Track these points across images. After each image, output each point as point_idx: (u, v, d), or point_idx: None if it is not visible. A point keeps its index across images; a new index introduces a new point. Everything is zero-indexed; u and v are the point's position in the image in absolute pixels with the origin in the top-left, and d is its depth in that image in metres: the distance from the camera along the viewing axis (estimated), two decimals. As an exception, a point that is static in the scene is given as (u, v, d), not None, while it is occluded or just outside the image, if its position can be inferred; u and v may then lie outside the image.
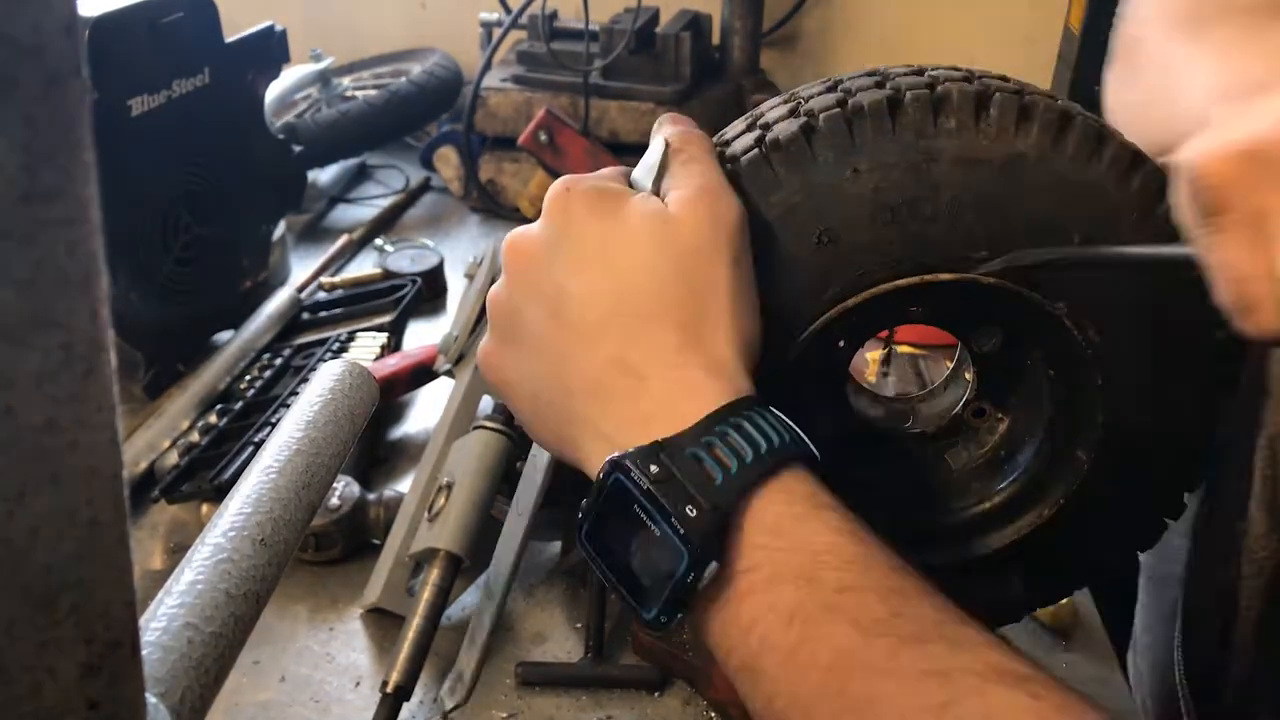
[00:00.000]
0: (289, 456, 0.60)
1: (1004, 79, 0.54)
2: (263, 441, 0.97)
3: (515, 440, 0.90)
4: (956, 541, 0.58)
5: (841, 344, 0.58)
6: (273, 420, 1.01)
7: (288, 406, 1.03)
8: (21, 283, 0.24)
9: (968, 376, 0.62)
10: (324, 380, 0.66)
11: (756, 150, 0.53)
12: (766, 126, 0.54)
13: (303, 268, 1.41)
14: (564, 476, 0.93)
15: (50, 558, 0.27)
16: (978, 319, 0.58)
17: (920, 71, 0.54)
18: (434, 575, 0.81)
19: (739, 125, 0.57)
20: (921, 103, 0.51)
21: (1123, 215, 0.51)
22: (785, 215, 0.52)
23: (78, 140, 0.25)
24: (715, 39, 1.68)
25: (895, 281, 0.52)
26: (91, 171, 0.25)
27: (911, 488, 0.60)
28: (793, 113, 0.54)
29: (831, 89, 0.55)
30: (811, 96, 0.55)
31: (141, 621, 0.47)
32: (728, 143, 0.56)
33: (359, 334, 1.20)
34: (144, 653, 0.45)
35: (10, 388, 0.25)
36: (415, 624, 0.78)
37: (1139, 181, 0.51)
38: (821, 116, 0.52)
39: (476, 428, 0.89)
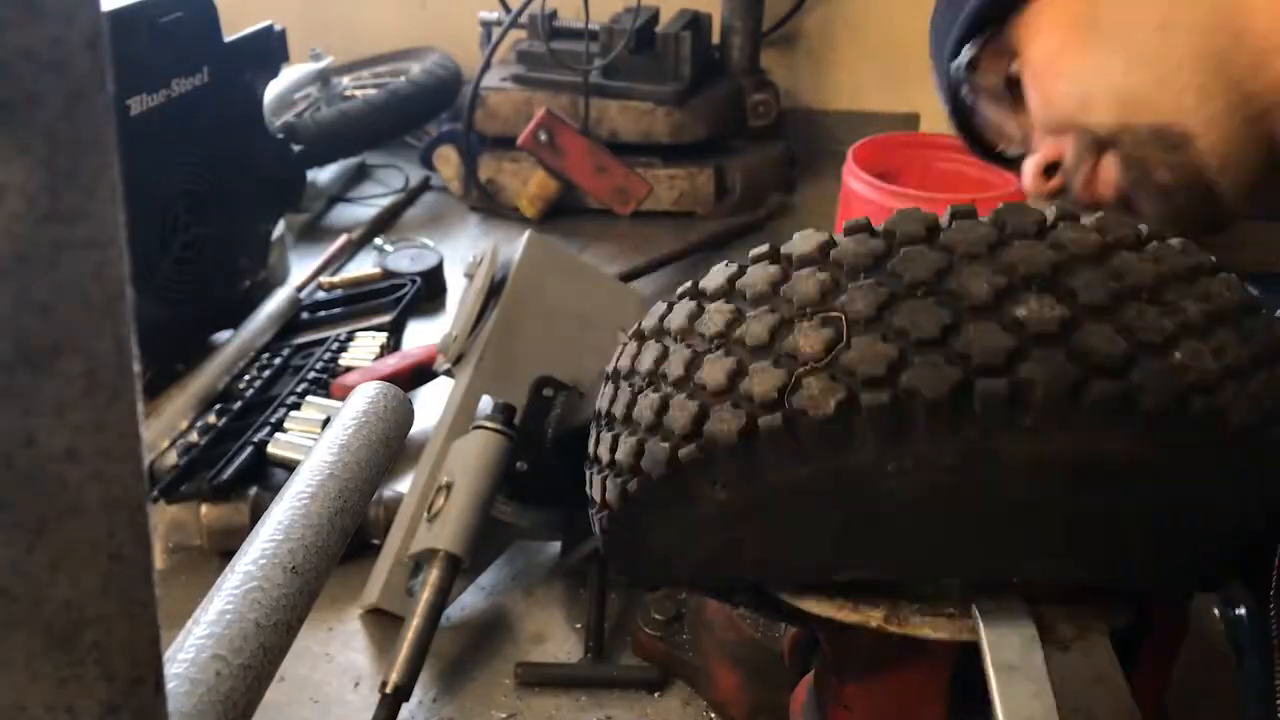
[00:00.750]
0: (321, 481, 0.58)
1: (1109, 303, 0.41)
2: (263, 442, 0.98)
3: (514, 440, 0.90)
4: None
5: None
6: (272, 420, 1.01)
7: (287, 406, 1.03)
8: (42, 307, 0.23)
9: None
10: (359, 402, 0.65)
11: (780, 414, 0.42)
12: (795, 359, 0.42)
13: (302, 267, 1.41)
14: (564, 476, 0.93)
15: (71, 593, 0.26)
16: None
17: (1001, 294, 0.40)
18: (433, 575, 0.81)
19: (762, 322, 0.44)
20: (996, 398, 0.39)
21: (1220, 487, 0.43)
22: (808, 493, 0.44)
23: (102, 158, 0.24)
24: (715, 38, 1.68)
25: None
26: (117, 191, 0.25)
27: None
28: (829, 350, 0.42)
29: (883, 308, 0.41)
30: (856, 319, 0.42)
31: (169, 653, 0.46)
32: (745, 345, 0.44)
33: (358, 334, 1.20)
34: (171, 685, 0.44)
35: (30, 416, 0.24)
36: (414, 624, 0.78)
37: (1249, 452, 0.42)
38: (865, 397, 0.40)
39: (476, 428, 0.89)
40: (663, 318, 0.51)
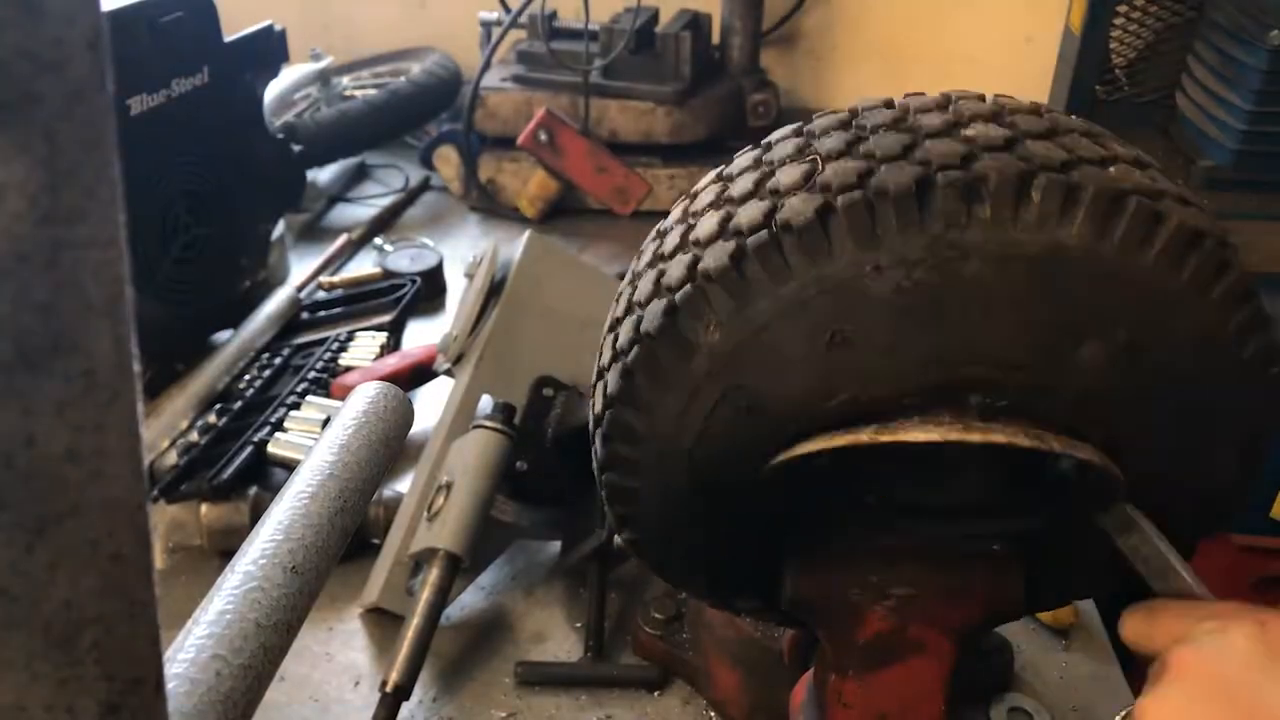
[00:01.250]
0: (321, 481, 0.58)
1: (1049, 132, 0.47)
2: (263, 442, 0.98)
3: (514, 439, 0.90)
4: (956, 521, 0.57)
5: None
6: (272, 420, 1.01)
7: (287, 406, 1.03)
8: (42, 307, 0.23)
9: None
10: (359, 402, 0.65)
11: (766, 232, 0.46)
12: (778, 194, 0.47)
13: (302, 267, 1.41)
14: (564, 476, 0.93)
15: (71, 593, 0.26)
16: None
17: (952, 125, 0.47)
18: (433, 575, 0.81)
19: (747, 178, 0.50)
20: (954, 188, 0.44)
21: (1174, 303, 0.46)
22: (796, 309, 0.46)
23: (102, 158, 0.24)
24: (715, 38, 1.68)
25: (900, 435, 0.46)
26: (117, 190, 0.25)
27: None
28: (807, 180, 0.47)
29: (852, 145, 0.47)
30: (829, 155, 0.47)
31: (169, 653, 0.46)
32: (734, 200, 0.49)
33: (358, 333, 1.20)
34: (171, 685, 0.44)
35: (30, 416, 0.24)
36: (414, 624, 0.78)
37: (1194, 264, 0.45)
38: (840, 198, 0.45)
39: (475, 427, 0.89)
40: (659, 225, 0.55)
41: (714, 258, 0.48)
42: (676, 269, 0.49)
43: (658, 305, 0.50)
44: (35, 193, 0.22)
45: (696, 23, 1.57)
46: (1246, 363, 0.48)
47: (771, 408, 0.48)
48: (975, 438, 0.46)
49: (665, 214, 0.56)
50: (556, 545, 0.96)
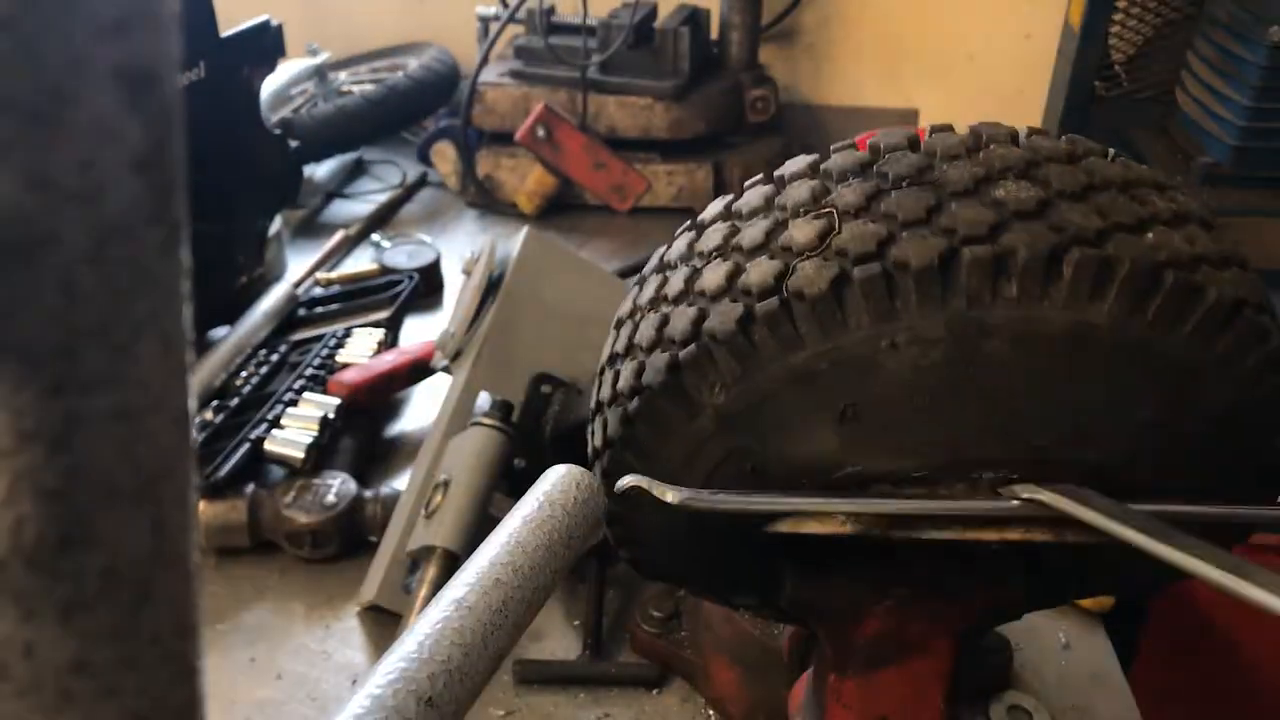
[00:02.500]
0: (485, 588, 0.50)
1: (1085, 187, 0.44)
2: (260, 439, 0.97)
3: (512, 437, 0.89)
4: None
5: None
6: (269, 417, 1.01)
7: (284, 403, 1.03)
8: (48, 495, 0.19)
9: None
10: (546, 488, 0.55)
11: (776, 299, 0.44)
12: (790, 252, 0.45)
13: (299, 263, 1.41)
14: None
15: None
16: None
17: (983, 181, 0.43)
18: (431, 573, 0.81)
19: (758, 226, 0.47)
20: (980, 265, 0.42)
21: (1203, 377, 0.44)
22: (806, 380, 0.44)
23: (148, 308, 0.19)
24: (714, 34, 1.67)
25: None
26: (173, 344, 0.20)
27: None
28: (823, 240, 0.44)
29: (872, 198, 0.44)
30: (847, 209, 0.45)
31: None
32: (743, 250, 0.47)
33: (355, 330, 1.19)
34: None
35: (30, 621, 0.20)
36: (412, 621, 0.78)
37: (1230, 338, 0.43)
38: (858, 270, 0.43)
39: (474, 425, 0.89)
40: (662, 255, 0.53)
41: (720, 319, 0.46)
42: (680, 321, 0.47)
43: (660, 359, 0.48)
44: (42, 356, 0.18)
45: (695, 18, 1.57)
46: (1270, 424, 0.46)
47: (776, 473, 0.47)
48: (991, 536, 0.45)
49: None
50: (554, 543, 0.95)
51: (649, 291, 0.52)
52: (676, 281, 0.49)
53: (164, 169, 0.19)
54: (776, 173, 0.50)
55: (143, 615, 0.21)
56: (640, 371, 0.49)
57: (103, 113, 0.17)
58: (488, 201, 1.60)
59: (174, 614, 0.22)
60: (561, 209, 1.59)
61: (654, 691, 0.83)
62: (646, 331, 0.50)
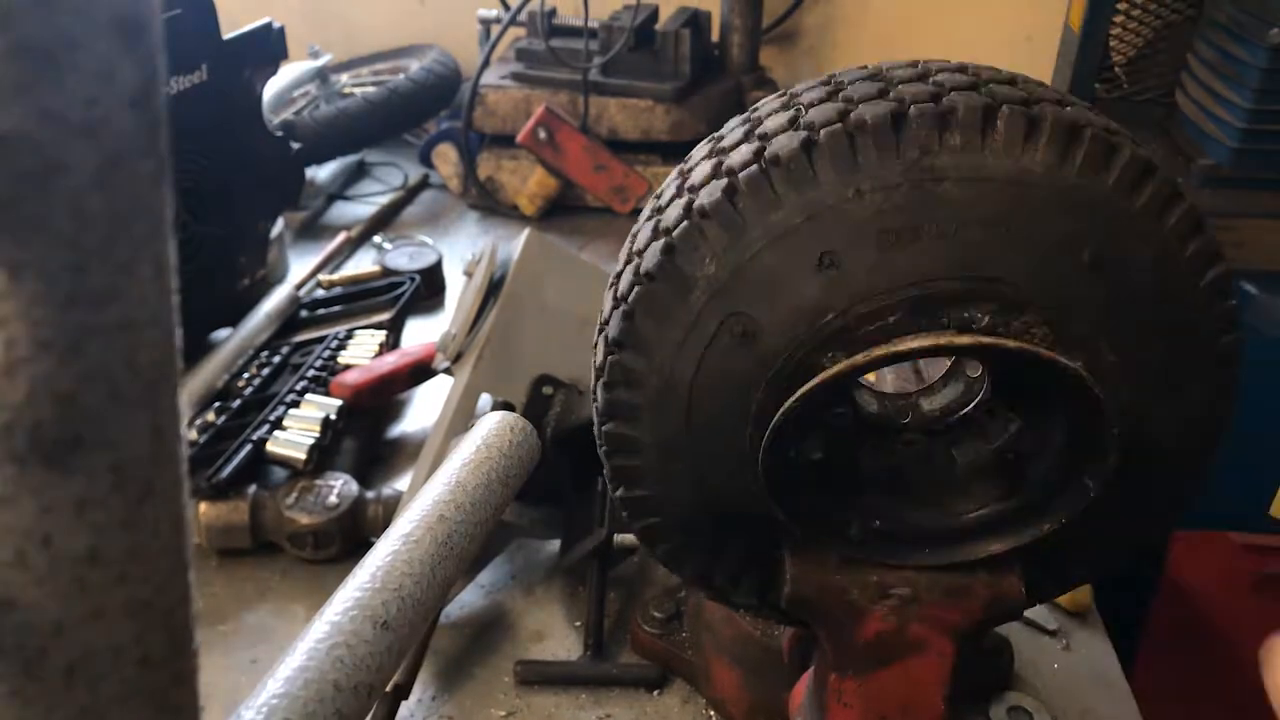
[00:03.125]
0: (430, 523, 0.54)
1: (1010, 80, 0.53)
2: (262, 440, 0.98)
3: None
4: (955, 544, 0.58)
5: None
6: (271, 418, 1.01)
7: (286, 404, 1.03)
8: (62, 398, 0.21)
9: (969, 374, 0.61)
10: (483, 433, 0.59)
11: (756, 167, 0.51)
12: (765, 138, 0.52)
13: (301, 265, 1.41)
14: (564, 474, 0.92)
15: (89, 699, 0.23)
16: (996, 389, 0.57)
17: (923, 75, 0.52)
18: (432, 574, 0.81)
19: (737, 131, 0.54)
20: (926, 118, 0.49)
21: (1132, 227, 0.49)
22: (785, 236, 0.50)
23: (145, 231, 0.21)
24: (715, 36, 1.67)
25: (894, 347, 0.49)
26: (164, 265, 0.22)
27: (916, 483, 0.60)
28: (792, 123, 0.51)
29: (832, 95, 0.52)
30: (811, 104, 0.52)
31: (240, 711, 0.45)
32: (725, 150, 0.54)
33: (357, 331, 1.19)
34: None
35: (48, 514, 0.22)
36: (414, 622, 0.78)
37: (1150, 191, 0.49)
38: (823, 132, 0.50)
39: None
40: (656, 190, 0.59)
41: (708, 195, 0.51)
42: (673, 212, 0.53)
43: (655, 246, 0.53)
44: (56, 273, 0.20)
45: (696, 20, 1.57)
46: (1203, 290, 0.51)
47: (766, 332, 0.51)
48: (965, 341, 0.49)
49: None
50: (556, 544, 0.96)
51: (645, 213, 0.57)
52: (669, 192, 0.55)
53: (153, 107, 0.21)
54: (752, 107, 0.56)
55: (145, 509, 0.23)
56: (638, 269, 0.54)
57: (103, 55, 0.19)
58: (489, 203, 1.60)
59: (170, 510, 0.24)
60: (563, 211, 1.60)
61: (655, 692, 0.83)
62: (643, 236, 0.55)
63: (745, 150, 0.52)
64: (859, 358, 0.50)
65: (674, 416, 0.54)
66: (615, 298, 0.55)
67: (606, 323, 0.56)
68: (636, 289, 0.53)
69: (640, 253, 0.54)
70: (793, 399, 0.51)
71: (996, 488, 0.57)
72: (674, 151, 1.59)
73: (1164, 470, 0.56)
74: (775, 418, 0.51)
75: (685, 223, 0.52)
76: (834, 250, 0.49)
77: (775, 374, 0.52)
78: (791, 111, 0.52)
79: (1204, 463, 0.57)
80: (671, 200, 0.54)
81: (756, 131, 0.53)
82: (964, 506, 0.58)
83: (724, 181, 0.51)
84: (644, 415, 0.55)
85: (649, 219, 0.56)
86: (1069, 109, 0.50)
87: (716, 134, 0.57)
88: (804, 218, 0.50)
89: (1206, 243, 0.51)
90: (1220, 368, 0.54)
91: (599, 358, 0.57)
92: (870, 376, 0.67)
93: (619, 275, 0.56)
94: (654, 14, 1.60)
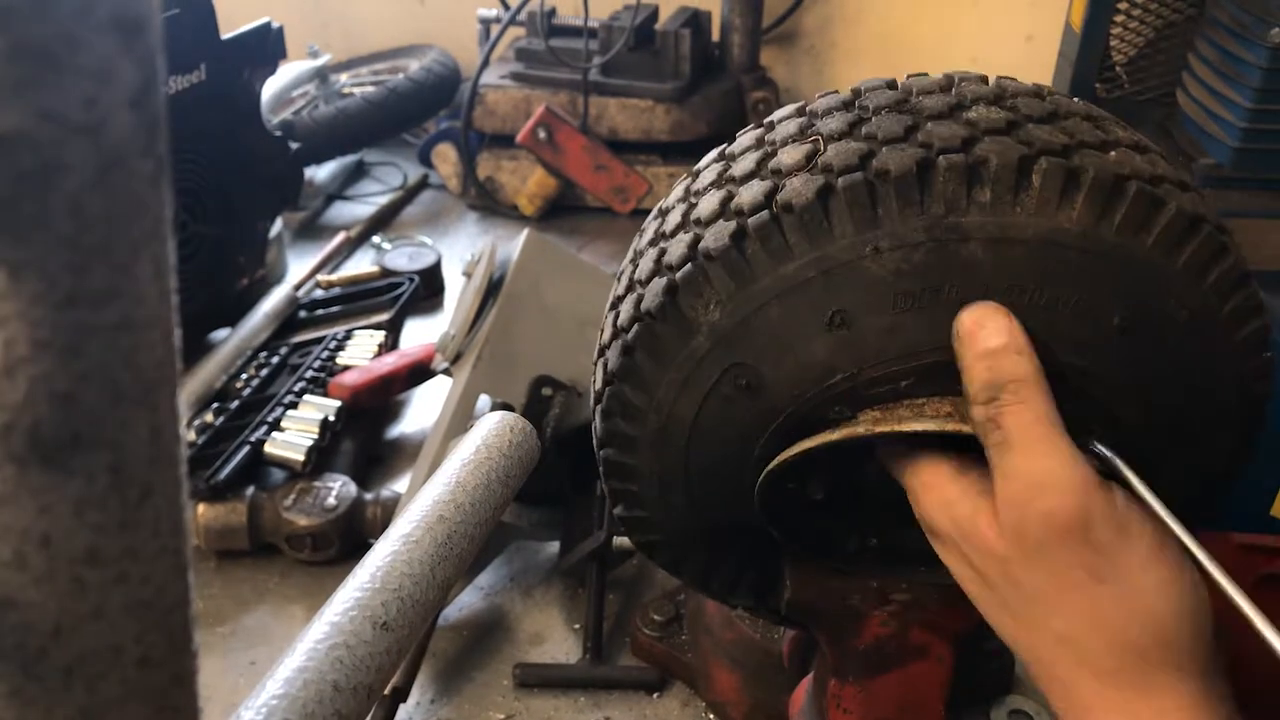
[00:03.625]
0: (430, 524, 0.54)
1: (1050, 116, 0.47)
2: (260, 441, 0.97)
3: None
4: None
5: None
6: (269, 419, 1.01)
7: (284, 405, 1.03)
8: (61, 397, 0.21)
9: None
10: (483, 433, 0.58)
11: (766, 212, 0.47)
12: (779, 174, 0.48)
13: (300, 265, 1.41)
14: (563, 476, 0.92)
15: (89, 700, 0.23)
16: None
17: (954, 107, 0.47)
18: (431, 576, 0.81)
19: (749, 158, 0.50)
20: (955, 171, 0.44)
21: (1169, 287, 0.46)
22: (796, 290, 0.46)
23: (144, 230, 0.21)
24: (715, 36, 1.67)
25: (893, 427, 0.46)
26: (164, 265, 0.22)
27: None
28: (809, 159, 0.47)
29: (854, 127, 0.47)
30: (831, 136, 0.47)
31: (239, 712, 0.44)
32: (735, 179, 0.50)
33: (356, 332, 1.19)
34: None
35: (47, 514, 0.21)
36: (412, 625, 0.78)
37: (1193, 249, 0.46)
38: (841, 180, 0.45)
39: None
40: (661, 203, 0.55)
41: (715, 237, 0.48)
42: (677, 248, 0.50)
43: (658, 284, 0.50)
44: (56, 272, 0.20)
45: (696, 20, 1.57)
46: (1239, 344, 0.48)
47: (770, 386, 0.49)
48: (970, 429, 0.46)
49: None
50: (555, 546, 0.95)
51: (648, 235, 0.54)
52: (674, 218, 0.52)
53: (152, 107, 0.21)
54: (766, 119, 0.52)
55: (144, 510, 0.23)
56: (639, 302, 0.51)
57: (103, 55, 0.20)
58: (488, 203, 1.60)
59: (170, 510, 0.24)
60: (562, 211, 1.59)
61: (654, 695, 0.83)
62: (645, 266, 0.52)
63: (756, 189, 0.48)
64: (861, 429, 0.47)
65: (673, 452, 0.52)
66: (615, 327, 0.53)
67: (606, 348, 0.54)
68: (637, 325, 0.51)
69: (643, 284, 0.52)
70: (793, 451, 0.49)
71: None
72: (674, 151, 1.58)
73: (1180, 502, 0.54)
74: (772, 466, 0.49)
75: (690, 265, 0.49)
76: (846, 309, 0.46)
77: (778, 427, 0.49)
78: (809, 145, 0.48)
79: (1219, 495, 0.55)
80: (677, 230, 0.51)
81: (770, 164, 0.49)
82: None
83: (732, 225, 0.47)
84: (642, 448, 0.53)
85: (652, 243, 0.53)
86: (1114, 154, 0.46)
87: (727, 149, 0.53)
88: (817, 272, 0.46)
89: (1248, 297, 0.48)
90: (1248, 417, 0.51)
91: (598, 383, 0.55)
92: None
93: (619, 300, 0.54)
94: (654, 14, 1.60)
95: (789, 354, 0.47)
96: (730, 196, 0.49)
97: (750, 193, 0.48)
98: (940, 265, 0.45)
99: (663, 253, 0.51)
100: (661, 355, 0.50)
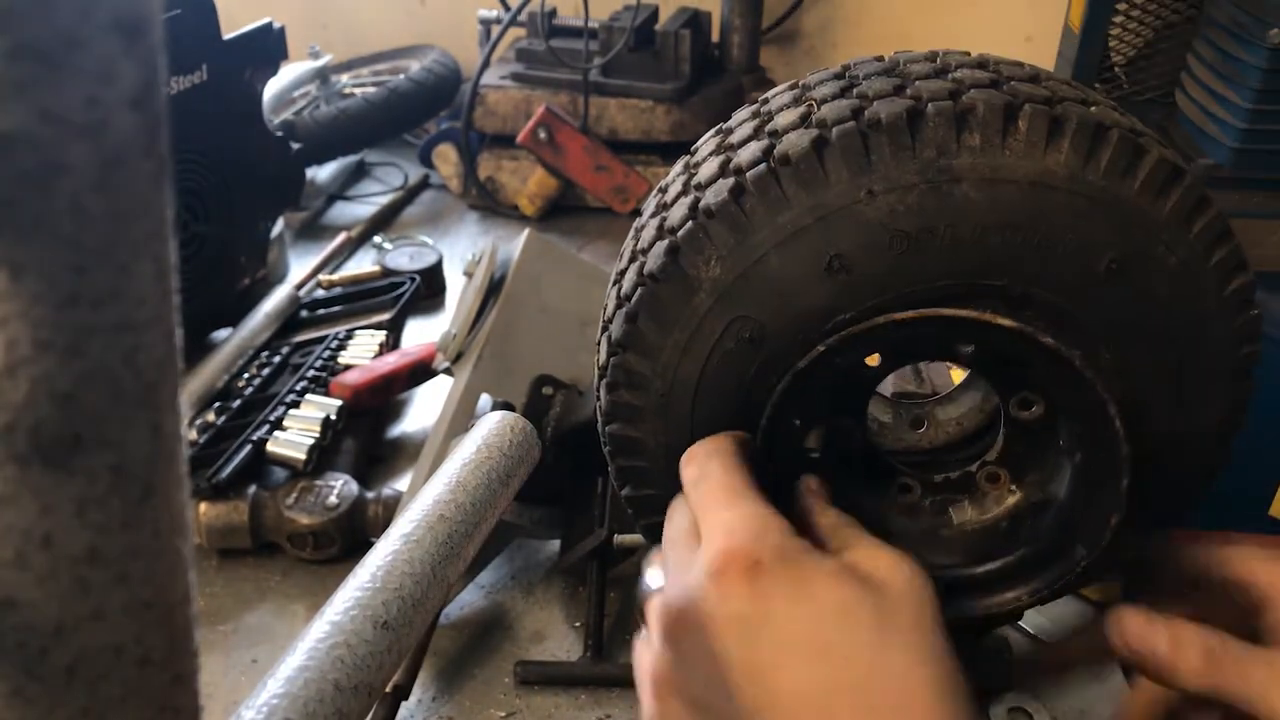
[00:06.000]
0: (430, 523, 0.54)
1: (1032, 78, 0.50)
2: (262, 440, 0.97)
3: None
4: (967, 594, 0.56)
5: (871, 363, 0.53)
6: (271, 418, 1.01)
7: (286, 404, 1.03)
8: (62, 397, 0.21)
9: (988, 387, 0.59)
10: (483, 433, 0.59)
11: (764, 166, 0.48)
12: (775, 135, 0.49)
13: (301, 265, 1.41)
14: (564, 474, 0.92)
15: (89, 700, 0.23)
16: (1017, 381, 0.54)
17: (941, 71, 0.50)
18: (432, 574, 0.81)
19: (746, 126, 0.53)
20: (944, 117, 0.46)
21: (1157, 233, 0.47)
22: (794, 238, 0.48)
23: (146, 231, 0.21)
24: (715, 36, 1.67)
25: (894, 315, 0.48)
26: (165, 265, 0.22)
27: (913, 535, 0.57)
28: (804, 119, 0.49)
29: (845, 90, 0.50)
30: (824, 99, 0.50)
31: (240, 711, 0.45)
32: (733, 146, 0.52)
33: (357, 332, 1.20)
34: None
35: (48, 514, 0.22)
36: (414, 623, 0.78)
37: (1177, 196, 0.47)
38: (835, 130, 0.47)
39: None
40: (660, 183, 0.57)
41: (714, 194, 0.50)
42: (678, 211, 0.51)
43: (660, 246, 0.51)
44: (57, 273, 0.20)
45: (696, 20, 1.57)
46: (1226, 300, 0.49)
47: (772, 336, 0.50)
48: (965, 314, 0.48)
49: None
50: (556, 544, 0.96)
51: (649, 209, 0.55)
52: (674, 188, 0.54)
53: (154, 107, 0.21)
54: (762, 97, 0.54)
55: (145, 509, 0.23)
56: (641, 268, 0.52)
57: (104, 55, 0.19)
58: (489, 204, 1.60)
59: (170, 510, 0.24)
60: (563, 211, 1.60)
61: (655, 692, 0.83)
62: (647, 235, 0.53)
63: (754, 148, 0.50)
64: (857, 328, 0.48)
65: (679, 419, 0.53)
66: (619, 297, 0.54)
67: (609, 322, 0.55)
68: (640, 290, 0.52)
69: (644, 251, 0.53)
70: (802, 362, 0.49)
71: (1001, 545, 0.56)
72: (674, 152, 1.59)
73: (1167, 486, 0.54)
74: (776, 391, 0.50)
75: (690, 223, 0.50)
76: (844, 253, 0.48)
77: (783, 386, 0.50)
78: (803, 108, 0.50)
79: (1210, 475, 0.55)
80: (677, 198, 0.53)
81: (766, 128, 0.51)
82: (963, 560, 0.56)
83: (731, 181, 0.49)
84: (648, 417, 0.54)
85: (654, 215, 0.54)
86: (1094, 108, 0.49)
87: (725, 125, 0.55)
88: (813, 219, 0.48)
89: (1232, 251, 0.49)
90: (1236, 381, 0.52)
91: (602, 357, 0.56)
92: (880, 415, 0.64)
93: (622, 273, 0.55)
94: (654, 14, 1.60)
95: (789, 301, 0.49)
96: (729, 160, 0.51)
97: (747, 152, 0.50)
98: (934, 206, 0.47)
99: (663, 220, 0.52)
100: (665, 317, 0.51)
